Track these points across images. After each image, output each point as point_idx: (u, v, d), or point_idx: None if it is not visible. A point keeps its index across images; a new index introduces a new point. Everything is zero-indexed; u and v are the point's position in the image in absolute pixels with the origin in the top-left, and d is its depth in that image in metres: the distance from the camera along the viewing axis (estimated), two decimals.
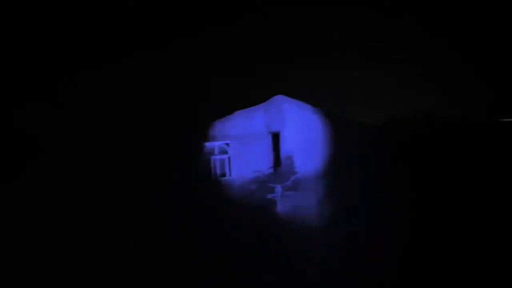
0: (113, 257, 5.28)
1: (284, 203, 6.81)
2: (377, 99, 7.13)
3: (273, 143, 7.85)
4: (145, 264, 5.14)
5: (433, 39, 5.93)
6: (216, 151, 7.59)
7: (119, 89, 6.10)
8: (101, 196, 6.05)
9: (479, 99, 6.44)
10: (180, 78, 6.26)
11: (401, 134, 7.01)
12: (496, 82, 6.34)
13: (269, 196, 7.07)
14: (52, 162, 5.97)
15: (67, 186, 6.01)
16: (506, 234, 5.15)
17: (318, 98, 8.07)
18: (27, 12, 5.17)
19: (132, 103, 6.30)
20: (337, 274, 4.71)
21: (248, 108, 7.57)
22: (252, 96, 7.10)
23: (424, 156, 6.47)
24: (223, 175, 7.67)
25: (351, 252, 5.12)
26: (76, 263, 5.19)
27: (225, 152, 7.67)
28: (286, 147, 7.57)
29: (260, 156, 7.74)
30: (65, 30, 5.36)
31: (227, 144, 7.60)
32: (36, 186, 5.84)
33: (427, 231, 5.52)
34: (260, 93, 7.16)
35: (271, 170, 7.66)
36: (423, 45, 6.09)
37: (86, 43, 5.53)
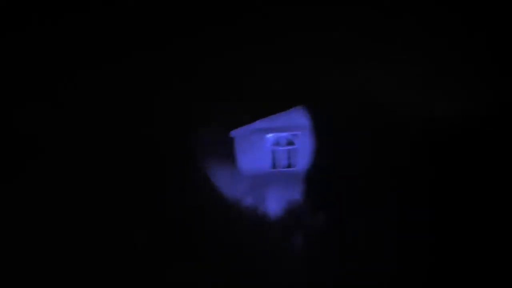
0: (113, 257, 5.28)
1: None
2: (377, 99, 7.14)
3: None
4: (145, 264, 5.14)
5: (433, 39, 5.94)
6: (281, 142, 7.52)
7: (119, 89, 6.10)
8: (101, 196, 6.06)
9: (479, 99, 6.45)
10: (180, 78, 6.26)
11: (401, 134, 7.02)
12: (496, 82, 6.35)
13: None
14: (52, 162, 5.97)
15: (67, 186, 6.01)
16: (506, 234, 5.15)
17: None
18: (27, 12, 5.17)
19: (132, 103, 6.30)
20: (337, 274, 4.72)
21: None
22: (252, 96, 7.11)
23: (424, 156, 6.48)
24: (289, 166, 7.60)
25: (351, 252, 5.12)
26: (76, 263, 5.19)
27: (292, 143, 7.59)
28: None
29: None
30: (65, 30, 5.36)
31: (295, 136, 7.49)
32: (36, 186, 5.84)
33: (427, 231, 5.53)
34: (260, 93, 7.17)
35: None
36: (423, 45, 6.10)
37: (86, 43, 5.53)
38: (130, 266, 5.21)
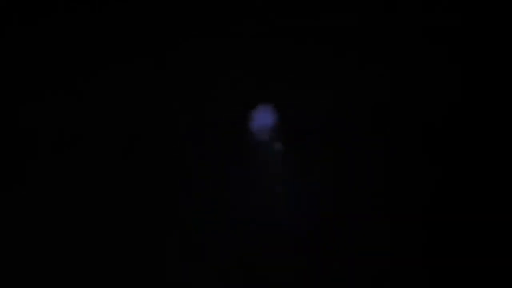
0: (113, 257, 5.30)
1: None
2: (378, 99, 7.18)
3: None
4: (145, 264, 5.16)
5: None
6: None
7: (120, 89, 6.15)
8: (102, 196, 6.08)
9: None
10: (180, 78, 6.30)
11: (400, 134, 7.03)
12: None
13: None
14: (52, 162, 6.00)
15: (67, 186, 6.04)
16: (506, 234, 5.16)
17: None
18: (27, 12, 5.21)
19: (133, 103, 6.34)
20: (335, 274, 4.74)
21: None
22: (252, 96, 7.16)
23: (423, 157, 6.50)
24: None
25: (349, 252, 5.14)
26: (76, 263, 5.21)
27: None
28: None
29: None
30: (65, 30, 5.40)
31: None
32: (36, 186, 5.87)
33: (426, 230, 5.54)
34: (260, 92, 7.22)
35: None
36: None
37: (86, 43, 5.58)
38: (130, 266, 5.22)
